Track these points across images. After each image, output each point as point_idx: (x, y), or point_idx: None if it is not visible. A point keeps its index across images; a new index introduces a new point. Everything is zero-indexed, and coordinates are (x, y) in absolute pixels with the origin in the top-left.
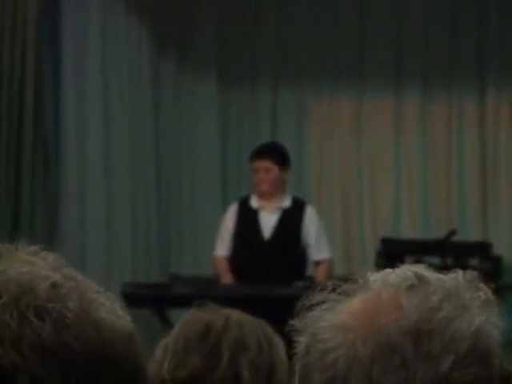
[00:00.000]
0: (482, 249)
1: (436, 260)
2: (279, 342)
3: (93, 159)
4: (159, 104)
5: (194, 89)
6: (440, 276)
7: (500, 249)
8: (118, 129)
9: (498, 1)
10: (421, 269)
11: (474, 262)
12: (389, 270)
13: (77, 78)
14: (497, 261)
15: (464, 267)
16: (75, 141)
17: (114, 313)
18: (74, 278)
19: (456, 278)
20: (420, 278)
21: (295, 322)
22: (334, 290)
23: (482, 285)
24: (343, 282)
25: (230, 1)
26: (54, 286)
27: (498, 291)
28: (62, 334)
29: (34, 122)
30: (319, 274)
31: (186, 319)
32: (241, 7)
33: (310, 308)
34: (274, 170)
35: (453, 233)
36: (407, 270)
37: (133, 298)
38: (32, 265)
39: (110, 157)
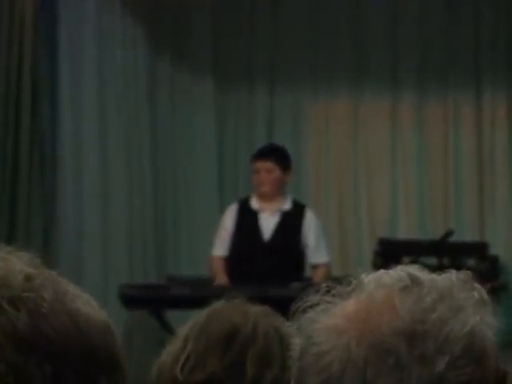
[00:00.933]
0: (478, 249)
1: (433, 260)
2: None
3: (89, 159)
4: (155, 104)
5: (191, 90)
6: (434, 277)
7: (497, 249)
8: (114, 128)
9: (494, 1)
10: (414, 269)
11: (471, 262)
12: (382, 271)
13: (73, 77)
14: (494, 261)
15: (461, 267)
16: (71, 140)
17: (89, 305)
18: (48, 272)
19: (450, 278)
20: (413, 279)
21: (290, 325)
22: (328, 291)
23: (476, 284)
24: (338, 283)
25: (225, 1)
26: (28, 277)
27: (494, 291)
28: (37, 323)
29: (30, 120)
30: (317, 277)
31: (212, 314)
32: (236, 8)
33: (305, 310)
34: (276, 171)
35: (450, 233)
36: (401, 271)
37: (130, 299)
38: (6, 261)
39: (107, 156)
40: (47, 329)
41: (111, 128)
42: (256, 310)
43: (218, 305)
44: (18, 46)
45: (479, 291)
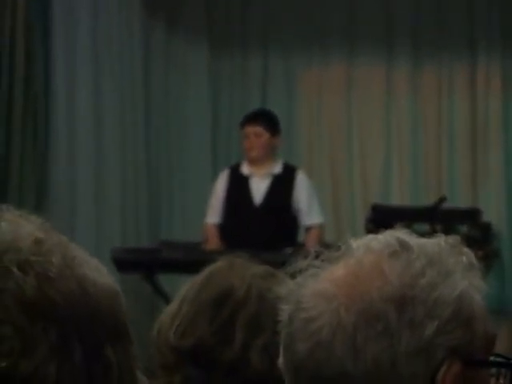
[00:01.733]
0: (471, 215)
1: (426, 227)
2: None
3: (83, 122)
4: (149, 70)
5: (185, 54)
6: (422, 241)
7: (489, 216)
8: (108, 92)
9: None
10: (403, 234)
11: (464, 228)
12: (371, 236)
13: (67, 40)
14: (486, 228)
15: (453, 234)
16: (65, 103)
17: (98, 271)
18: (58, 236)
19: (439, 243)
20: (402, 244)
21: (279, 290)
22: (317, 256)
23: (465, 249)
24: (327, 248)
25: None
26: (37, 241)
27: (487, 258)
28: (45, 287)
29: (24, 82)
30: (310, 240)
31: (210, 275)
32: None
33: (294, 275)
34: (265, 135)
35: (442, 199)
36: (390, 237)
37: (123, 263)
38: (16, 224)
39: (100, 120)
40: (54, 293)
41: (105, 93)
42: (255, 270)
43: (217, 265)
44: (11, 11)
45: (468, 256)
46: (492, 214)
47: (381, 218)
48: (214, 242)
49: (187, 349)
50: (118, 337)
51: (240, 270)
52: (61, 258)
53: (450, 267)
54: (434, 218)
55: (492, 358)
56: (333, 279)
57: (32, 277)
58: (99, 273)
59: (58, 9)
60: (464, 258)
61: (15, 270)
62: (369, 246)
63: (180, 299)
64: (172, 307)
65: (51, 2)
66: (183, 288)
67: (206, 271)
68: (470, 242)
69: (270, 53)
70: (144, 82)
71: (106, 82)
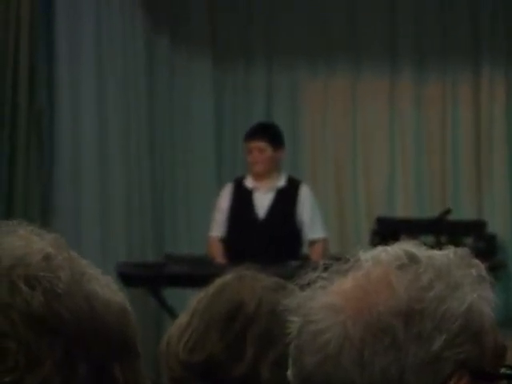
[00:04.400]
0: (476, 227)
1: (431, 239)
2: None
3: (87, 137)
4: (153, 81)
5: (188, 66)
6: (431, 254)
7: (495, 227)
8: (112, 106)
9: None
10: (412, 246)
11: (469, 240)
12: (380, 249)
13: (71, 52)
14: (491, 239)
15: (459, 246)
16: (69, 117)
17: (107, 287)
18: (68, 252)
19: (447, 255)
20: (411, 256)
21: (288, 302)
22: (325, 269)
23: (474, 260)
24: (336, 260)
25: None
26: (47, 257)
27: (492, 269)
28: (52, 303)
29: (28, 98)
30: (314, 254)
31: (220, 288)
32: None
33: (303, 287)
34: (268, 149)
35: (447, 211)
36: (398, 249)
37: (128, 277)
38: (27, 239)
39: (105, 134)
40: (62, 309)
41: (109, 104)
42: (266, 283)
43: (227, 278)
44: (16, 20)
45: (477, 267)
46: (497, 225)
47: (386, 231)
48: (217, 256)
49: (197, 364)
50: (126, 354)
51: (250, 283)
52: (69, 274)
53: (458, 280)
54: (439, 230)
55: (502, 370)
56: (341, 292)
57: (39, 292)
58: (109, 290)
59: (61, 23)
60: (473, 271)
61: (22, 285)
62: (377, 259)
63: (190, 312)
64: (181, 320)
65: (55, 16)
66: (192, 301)
67: (216, 284)
68: (475, 253)
69: (274, 65)
70: (148, 95)
71: (110, 96)
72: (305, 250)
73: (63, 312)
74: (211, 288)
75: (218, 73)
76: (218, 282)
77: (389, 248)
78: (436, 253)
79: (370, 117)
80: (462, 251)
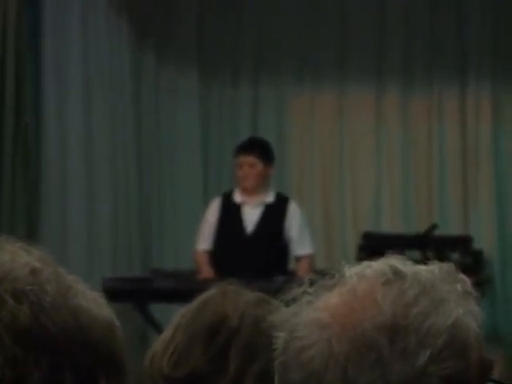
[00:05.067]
0: (462, 243)
1: (417, 254)
2: None
3: (73, 151)
4: (140, 96)
5: (175, 81)
6: (416, 269)
7: (481, 243)
8: (99, 119)
9: None
10: (397, 261)
11: (455, 255)
12: (365, 264)
13: (57, 68)
14: (477, 254)
15: (445, 261)
16: (56, 132)
17: (94, 302)
18: (55, 267)
19: (433, 270)
20: (395, 272)
21: (273, 317)
22: (311, 284)
23: (460, 275)
24: (321, 276)
25: None
26: (34, 271)
27: (478, 285)
28: (38, 316)
29: (14, 111)
30: (301, 269)
31: (203, 303)
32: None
33: (288, 303)
34: (259, 165)
35: (434, 227)
36: (383, 264)
37: (114, 292)
38: (14, 254)
39: (91, 149)
40: (48, 323)
41: (96, 122)
42: (248, 298)
43: (210, 293)
44: (2, 35)
45: (463, 283)
46: (483, 240)
47: (372, 246)
48: (205, 269)
49: (181, 378)
50: (113, 368)
51: (233, 298)
52: (56, 288)
53: (443, 295)
54: (425, 245)
55: None
56: (326, 308)
57: (26, 306)
58: (96, 304)
59: (48, 37)
60: (459, 286)
61: (9, 298)
62: (362, 274)
63: (173, 327)
64: (165, 335)
65: (41, 30)
66: (176, 316)
67: (200, 299)
68: (461, 269)
69: (260, 79)
70: (134, 110)
71: (96, 111)
72: (291, 265)
73: (49, 325)
74: (194, 303)
75: (204, 88)
76: (202, 297)
77: (373, 263)
78: (421, 268)
79: (356, 132)
80: (448, 266)
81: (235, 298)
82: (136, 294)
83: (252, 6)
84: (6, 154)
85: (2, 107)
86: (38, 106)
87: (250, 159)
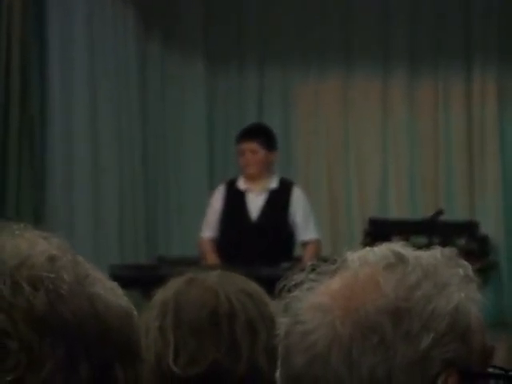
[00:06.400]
0: (468, 228)
1: (423, 240)
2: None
3: (79, 142)
4: (146, 85)
5: (181, 70)
6: (418, 254)
7: (487, 228)
8: (105, 109)
9: None
10: (399, 247)
11: (461, 241)
12: (367, 249)
13: (63, 59)
14: (483, 240)
15: (451, 247)
16: (61, 122)
17: (111, 290)
18: (73, 255)
19: (435, 255)
20: (398, 256)
21: (276, 303)
22: (313, 270)
23: (461, 261)
24: (323, 262)
25: None
26: (51, 259)
27: (484, 270)
28: (55, 303)
29: (19, 104)
30: (306, 255)
31: (179, 298)
32: None
33: (291, 289)
34: (261, 151)
35: (440, 212)
36: (386, 249)
37: (120, 279)
38: (31, 242)
39: (97, 139)
40: (64, 310)
41: (101, 111)
42: (210, 279)
43: (172, 288)
44: (7, 29)
45: (464, 268)
46: (489, 226)
47: (378, 232)
48: (210, 257)
49: (199, 374)
50: (128, 356)
51: (205, 286)
52: (73, 275)
53: (445, 279)
54: (431, 231)
55: (490, 370)
56: (329, 292)
57: (42, 293)
58: (113, 293)
59: (53, 27)
60: (460, 271)
61: (25, 285)
62: (364, 259)
63: (157, 327)
64: (151, 336)
65: (47, 20)
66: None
67: (172, 295)
68: (467, 254)
69: (266, 68)
70: (140, 99)
71: (102, 100)
72: (297, 251)
73: (66, 313)
74: (168, 299)
75: (210, 76)
76: (166, 294)
77: (376, 248)
78: (423, 253)
79: (362, 120)
80: (450, 251)
81: (203, 285)
82: (142, 281)
83: None
84: (11, 145)
85: (7, 99)
86: (44, 96)
87: (252, 146)
